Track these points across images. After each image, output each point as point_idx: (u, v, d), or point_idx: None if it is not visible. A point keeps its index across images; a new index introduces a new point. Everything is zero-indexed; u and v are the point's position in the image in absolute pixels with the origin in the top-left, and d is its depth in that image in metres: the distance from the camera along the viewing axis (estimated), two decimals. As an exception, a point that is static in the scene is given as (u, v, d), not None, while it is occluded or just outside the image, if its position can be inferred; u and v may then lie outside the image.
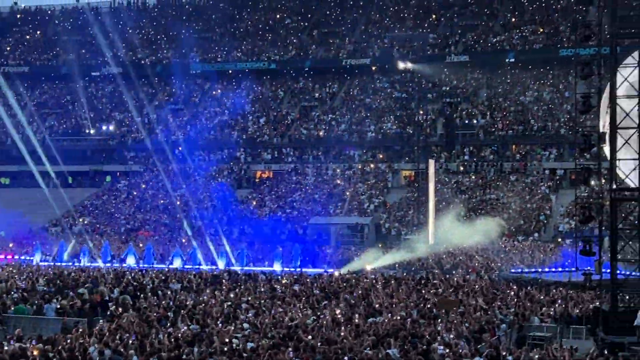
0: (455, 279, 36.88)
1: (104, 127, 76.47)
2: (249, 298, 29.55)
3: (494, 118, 68.01)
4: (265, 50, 79.84)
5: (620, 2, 26.35)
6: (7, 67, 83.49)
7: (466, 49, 74.11)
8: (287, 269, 44.36)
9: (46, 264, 47.99)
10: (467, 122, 68.23)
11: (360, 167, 67.04)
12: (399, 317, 24.83)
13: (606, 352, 21.55)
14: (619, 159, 25.70)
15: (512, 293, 31.64)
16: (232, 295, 30.62)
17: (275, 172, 69.76)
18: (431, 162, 55.86)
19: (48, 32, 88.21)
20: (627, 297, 27.94)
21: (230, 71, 79.13)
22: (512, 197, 59.09)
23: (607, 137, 26.05)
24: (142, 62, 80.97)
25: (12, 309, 28.76)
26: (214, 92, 79.09)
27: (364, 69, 75.86)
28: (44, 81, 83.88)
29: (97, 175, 74.41)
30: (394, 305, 27.42)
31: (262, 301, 28.77)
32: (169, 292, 32.18)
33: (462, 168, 65.11)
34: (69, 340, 21.43)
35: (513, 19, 75.74)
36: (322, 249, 51.81)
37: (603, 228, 26.47)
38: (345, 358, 19.00)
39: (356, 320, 24.27)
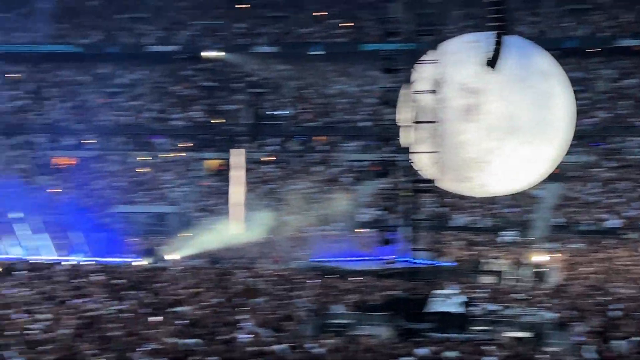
0: (259, 268, 37.28)
1: None
2: (47, 288, 28.70)
3: (299, 109, 69.00)
4: (69, 33, 77.32)
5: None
6: None
7: (274, 40, 74.67)
8: (89, 259, 43.35)
9: None
10: (273, 112, 68.86)
11: (165, 155, 66.29)
12: (203, 307, 24.85)
13: (402, 338, 22.46)
14: (417, 152, 26.82)
15: (314, 282, 32.31)
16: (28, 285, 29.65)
17: (77, 158, 67.76)
18: (236, 152, 56.05)
19: None
20: (422, 285, 29.17)
21: (31, 54, 76.15)
22: (315, 187, 60.19)
23: (405, 130, 27.09)
24: None
25: None
26: (12, 75, 75.85)
27: (170, 57, 74.94)
28: None
29: None
30: (198, 295, 27.39)
31: (62, 291, 28.02)
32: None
33: (268, 158, 65.62)
34: None
35: (320, 12, 76.92)
36: (126, 238, 50.91)
37: (402, 218, 27.49)
38: (146, 347, 18.84)
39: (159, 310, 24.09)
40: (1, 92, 73.72)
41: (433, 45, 27.80)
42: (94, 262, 40.12)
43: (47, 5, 77.82)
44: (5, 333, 20.42)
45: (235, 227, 51.37)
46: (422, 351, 20.29)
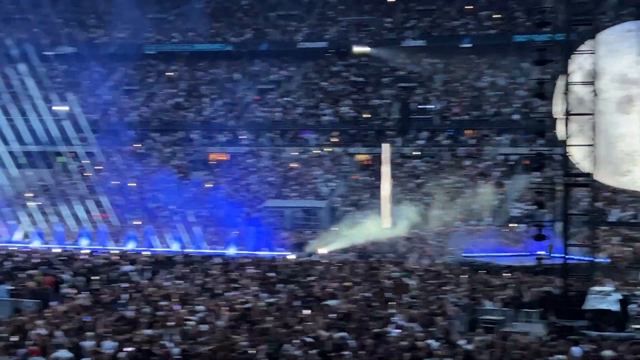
0: (409, 263, 37.16)
1: (57, 108, 75.42)
2: (203, 280, 29.51)
3: (449, 103, 68.36)
4: (222, 32, 79.37)
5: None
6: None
7: (422, 33, 74.32)
8: (242, 252, 44.33)
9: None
10: (422, 106, 68.49)
11: (315, 150, 67.02)
12: (352, 301, 24.96)
13: (556, 336, 21.90)
14: (572, 145, 26.04)
15: (465, 277, 31.95)
16: (186, 278, 30.58)
17: (230, 154, 69.42)
18: (386, 146, 56.05)
19: (1, 11, 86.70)
20: (578, 282, 28.36)
21: (186, 53, 78.60)
22: (466, 181, 59.52)
23: (560, 123, 26.36)
24: (96, 42, 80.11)
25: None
26: (168, 74, 78.45)
27: (320, 53, 75.71)
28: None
29: (49, 155, 73.46)
30: (348, 289, 27.55)
31: (217, 284, 28.77)
32: (122, 274, 32.05)
33: (416, 152, 65.34)
34: (20, 322, 21.26)
35: (469, 5, 76.03)
36: (276, 232, 51.82)
37: (556, 213, 26.82)
38: (299, 340, 19.08)
39: (310, 304, 24.35)
40: (159, 90, 76.41)
41: (588, 35, 26.90)
42: (246, 256, 40.99)
43: (201, 5, 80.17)
44: (166, 324, 21.12)
45: (384, 222, 51.42)
46: (578, 350, 19.71)
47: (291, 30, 78.17)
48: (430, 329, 21.34)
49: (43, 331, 20.29)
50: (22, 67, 77.34)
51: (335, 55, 75.48)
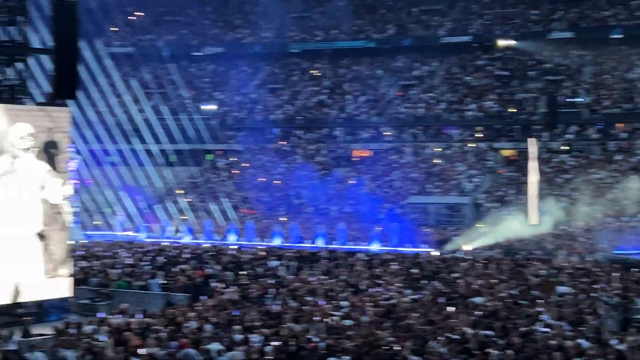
0: (557, 260, 36.28)
1: (205, 107, 77.62)
2: (348, 276, 29.71)
3: (598, 96, 66.29)
4: (364, 29, 79.67)
5: None
6: (112, 48, 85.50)
7: (570, 25, 72.41)
8: (385, 248, 44.41)
9: (151, 240, 49.25)
10: (570, 100, 66.67)
11: (459, 145, 66.35)
12: (498, 298, 24.59)
13: None
14: None
15: (617, 275, 30.92)
16: (330, 274, 30.87)
17: (373, 150, 69.61)
18: (532, 141, 54.81)
19: (151, 13, 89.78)
20: None
21: (329, 50, 79.34)
22: (617, 176, 57.61)
23: None
24: (242, 42, 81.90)
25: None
26: (312, 72, 79.40)
27: (463, 47, 74.91)
28: (147, 61, 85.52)
29: (198, 153, 75.69)
30: (494, 286, 27.15)
31: (361, 280, 28.91)
32: (268, 270, 32.65)
33: (565, 147, 63.73)
34: (172, 315, 21.98)
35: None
36: (420, 228, 51.64)
37: None
38: (443, 337, 18.94)
39: (455, 301, 24.13)
40: (302, 88, 77.42)
41: None
42: (390, 252, 41.02)
43: (344, 2, 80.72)
44: (311, 319, 21.39)
45: (531, 218, 50.35)
46: None
47: (434, 25, 77.65)
48: (580, 328, 20.77)
49: (194, 324, 20.94)
50: (172, 68, 79.99)
51: (479, 49, 74.50)
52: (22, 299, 25.18)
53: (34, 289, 25.12)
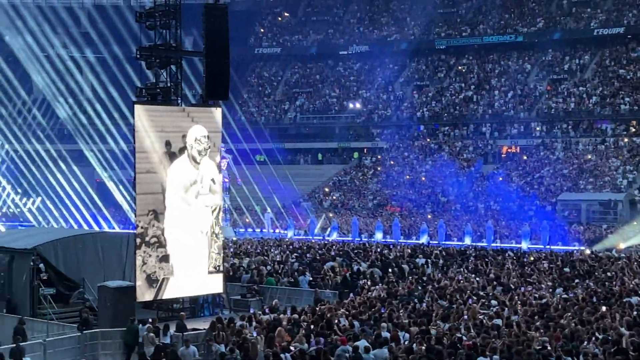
0: None
1: (351, 105, 78.16)
2: (497, 275, 29.26)
3: None
4: (512, 23, 78.20)
5: None
6: (261, 49, 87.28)
7: None
8: (536, 246, 43.51)
9: (299, 238, 49.98)
10: None
11: (612, 140, 64.21)
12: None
13: None
14: None
15: None
16: (478, 272, 30.49)
17: (522, 147, 68.36)
18: None
19: (298, 13, 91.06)
20: None
21: (476, 45, 78.33)
22: None
23: None
24: (388, 39, 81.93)
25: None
26: (459, 68, 78.60)
27: (617, 39, 72.41)
28: (294, 61, 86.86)
29: (345, 152, 76.30)
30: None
31: (511, 278, 28.42)
32: (415, 267, 32.54)
33: None
34: (320, 312, 22.21)
35: None
36: (571, 226, 50.31)
37: None
38: (599, 336, 18.37)
39: (609, 301, 23.36)
40: (449, 84, 76.76)
41: None
42: (540, 250, 40.16)
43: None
44: (460, 317, 21.20)
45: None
46: None
47: (586, 17, 75.37)
48: None
49: (343, 321, 21.10)
50: (319, 67, 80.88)
51: (633, 40, 71.78)
52: (186, 294, 26.54)
53: (196, 286, 26.62)
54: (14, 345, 19.74)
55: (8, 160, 70.23)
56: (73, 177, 62.50)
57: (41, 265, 25.76)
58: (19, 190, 66.72)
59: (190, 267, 26.14)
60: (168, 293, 25.76)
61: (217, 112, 27.48)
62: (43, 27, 72.58)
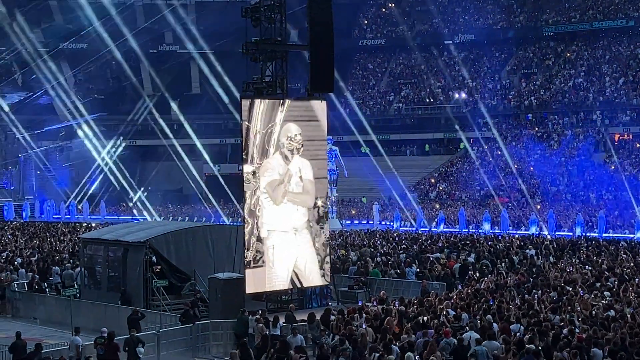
0: None
1: (457, 95, 77.33)
2: (610, 266, 28.55)
3: None
4: (623, 7, 75.97)
5: None
6: (365, 41, 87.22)
7: None
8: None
9: (405, 229, 49.82)
10: None
11: None
12: None
13: None
14: None
15: None
16: (591, 263, 29.80)
17: (634, 134, 66.46)
18: None
19: (402, 4, 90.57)
20: None
21: (585, 32, 76.42)
22: None
23: None
24: (495, 27, 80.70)
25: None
26: (567, 54, 76.85)
27: None
28: (399, 52, 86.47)
29: (451, 142, 75.64)
30: None
31: (625, 269, 27.68)
32: (525, 258, 32.03)
33: None
34: (428, 304, 22.13)
35: None
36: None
37: None
38: None
39: None
40: (557, 71, 75.17)
41: None
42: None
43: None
44: (572, 309, 20.80)
45: None
46: None
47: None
48: None
49: (452, 312, 20.97)
50: (423, 57, 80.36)
51: None
52: (301, 285, 26.98)
53: (308, 278, 26.97)
54: (129, 335, 20.30)
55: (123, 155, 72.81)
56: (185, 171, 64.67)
57: (153, 257, 26.37)
58: (135, 186, 68.24)
59: (292, 260, 26.42)
60: (277, 285, 26.15)
61: (323, 105, 27.61)
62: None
